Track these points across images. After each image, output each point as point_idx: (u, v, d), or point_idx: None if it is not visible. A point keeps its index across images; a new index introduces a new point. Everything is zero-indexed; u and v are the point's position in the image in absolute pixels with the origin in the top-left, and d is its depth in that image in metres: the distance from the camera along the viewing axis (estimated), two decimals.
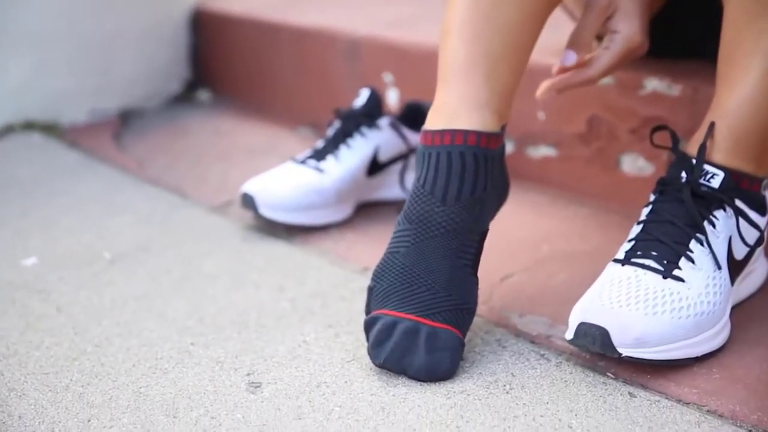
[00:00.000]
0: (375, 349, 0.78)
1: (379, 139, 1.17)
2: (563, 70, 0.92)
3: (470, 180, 0.80)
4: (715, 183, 0.82)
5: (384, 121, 1.17)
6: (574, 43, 0.90)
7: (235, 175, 1.34)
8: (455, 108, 0.82)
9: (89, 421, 0.74)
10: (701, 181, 0.82)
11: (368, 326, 0.80)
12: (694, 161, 0.83)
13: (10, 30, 1.54)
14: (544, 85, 0.94)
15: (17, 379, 0.81)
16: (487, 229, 0.84)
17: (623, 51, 0.91)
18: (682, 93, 1.05)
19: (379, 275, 0.81)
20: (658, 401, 0.74)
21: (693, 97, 1.04)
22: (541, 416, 0.72)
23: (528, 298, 0.92)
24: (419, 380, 0.77)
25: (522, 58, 0.85)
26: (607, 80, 1.11)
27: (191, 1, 1.80)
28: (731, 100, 0.83)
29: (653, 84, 1.08)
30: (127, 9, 1.67)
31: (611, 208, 1.14)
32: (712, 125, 0.83)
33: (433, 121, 0.83)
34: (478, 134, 0.81)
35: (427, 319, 0.78)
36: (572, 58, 0.90)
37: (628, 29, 0.90)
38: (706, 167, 0.82)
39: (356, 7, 1.69)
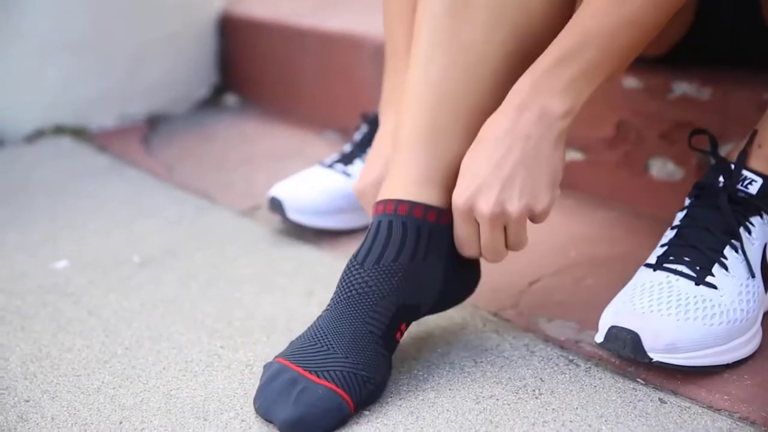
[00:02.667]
0: (257, 392, 0.76)
1: None
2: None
3: (394, 246, 0.76)
4: (753, 189, 0.81)
5: None
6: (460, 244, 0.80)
7: (263, 179, 1.35)
8: (396, 178, 0.79)
9: (121, 423, 0.75)
10: (739, 186, 0.82)
11: (264, 370, 0.77)
12: (732, 166, 0.82)
13: (41, 37, 1.56)
14: None
15: (50, 381, 0.82)
16: (415, 307, 0.78)
17: (458, 218, 0.78)
18: (711, 97, 1.05)
19: (303, 333, 0.79)
20: (689, 408, 0.73)
21: (723, 101, 1.04)
22: (571, 422, 0.72)
23: (556, 303, 0.92)
24: None
25: (472, 126, 0.79)
26: (635, 84, 1.11)
27: (218, 6, 1.81)
28: None
29: (682, 88, 1.07)
30: (156, 16, 1.69)
31: (640, 212, 1.13)
32: (754, 132, 0.83)
33: (381, 191, 0.81)
34: (411, 204, 0.77)
35: (311, 374, 0.73)
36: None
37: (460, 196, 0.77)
38: (745, 173, 0.82)
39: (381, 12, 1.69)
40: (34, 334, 0.91)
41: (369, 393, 0.75)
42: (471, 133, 0.79)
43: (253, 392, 0.78)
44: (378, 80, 1.48)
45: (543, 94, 0.74)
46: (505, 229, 0.77)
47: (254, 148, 1.53)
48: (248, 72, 1.79)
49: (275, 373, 0.75)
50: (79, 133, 1.61)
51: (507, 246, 0.79)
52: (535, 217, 0.78)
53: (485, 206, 0.75)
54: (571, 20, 0.76)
